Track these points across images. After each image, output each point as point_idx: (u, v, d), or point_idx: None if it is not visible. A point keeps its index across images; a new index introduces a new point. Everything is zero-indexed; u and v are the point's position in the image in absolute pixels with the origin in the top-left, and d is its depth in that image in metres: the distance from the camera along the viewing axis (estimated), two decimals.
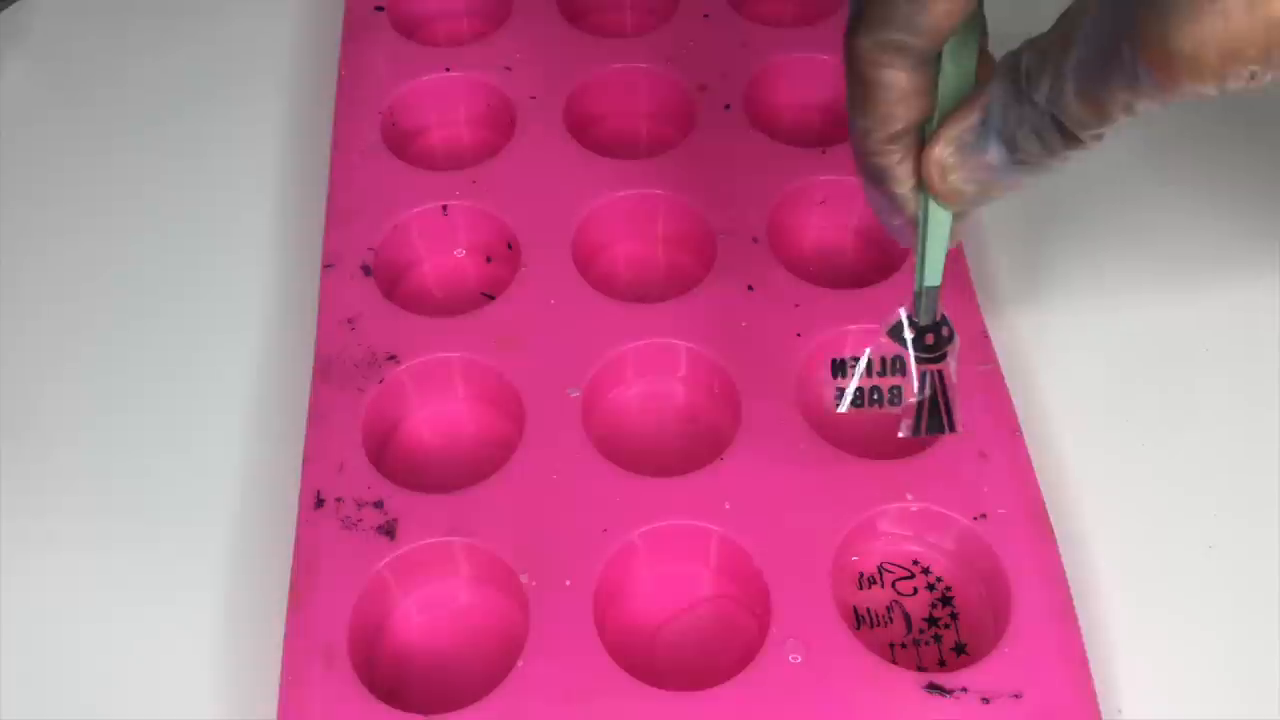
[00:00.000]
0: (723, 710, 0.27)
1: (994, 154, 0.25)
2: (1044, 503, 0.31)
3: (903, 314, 0.28)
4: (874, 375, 0.29)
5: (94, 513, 0.33)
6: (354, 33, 0.42)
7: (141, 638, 0.31)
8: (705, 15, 0.42)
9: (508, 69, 0.41)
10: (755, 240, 0.36)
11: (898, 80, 0.26)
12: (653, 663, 0.30)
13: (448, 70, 0.41)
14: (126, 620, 0.31)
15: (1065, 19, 0.23)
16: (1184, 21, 0.20)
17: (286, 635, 0.28)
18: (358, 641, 0.29)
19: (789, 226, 0.38)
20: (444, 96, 0.41)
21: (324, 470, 0.31)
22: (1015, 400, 0.33)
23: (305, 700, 0.28)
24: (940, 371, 0.29)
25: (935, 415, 0.29)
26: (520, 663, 0.28)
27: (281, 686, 0.28)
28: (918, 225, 0.28)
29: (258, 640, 0.30)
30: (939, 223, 0.27)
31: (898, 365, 0.29)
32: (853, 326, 0.34)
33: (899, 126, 0.27)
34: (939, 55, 0.26)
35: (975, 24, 0.26)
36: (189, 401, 0.36)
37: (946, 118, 0.26)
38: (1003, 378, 0.33)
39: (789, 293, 0.35)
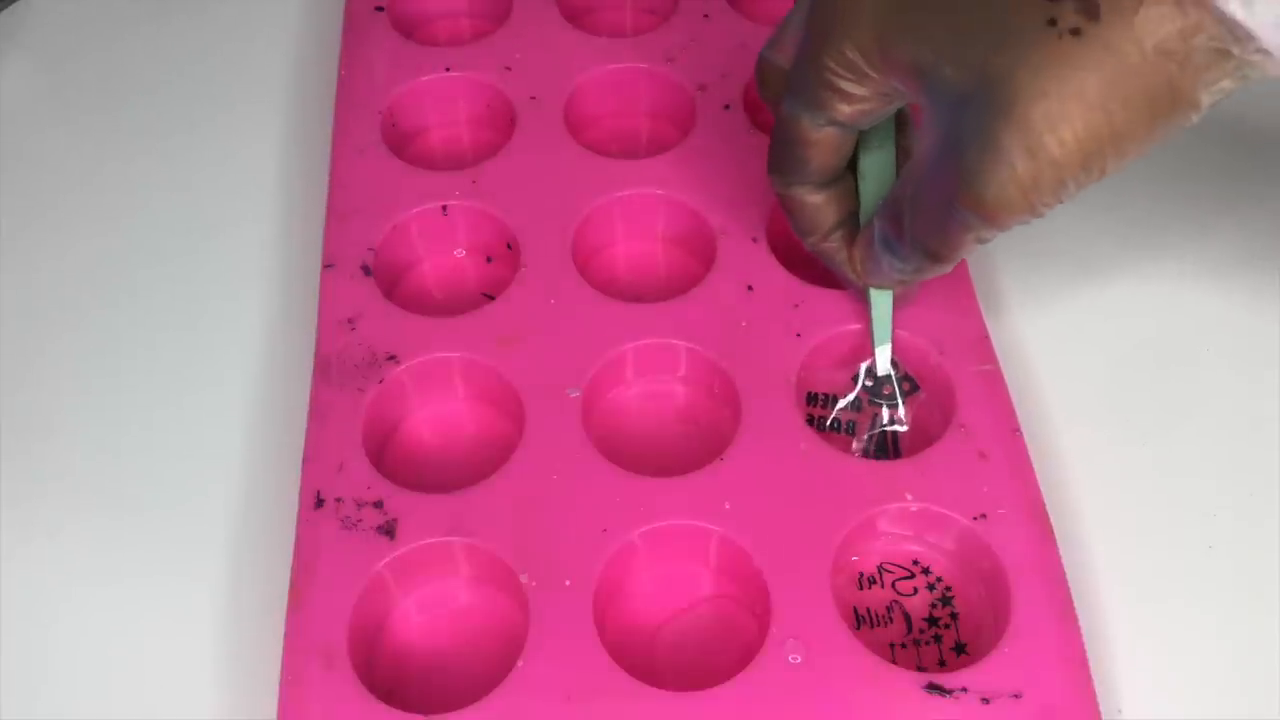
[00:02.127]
0: (723, 710, 0.27)
1: (889, 266, 0.31)
2: (1044, 503, 0.31)
3: (864, 366, 0.34)
4: (843, 410, 0.34)
5: (93, 512, 0.33)
6: (354, 33, 0.42)
7: (141, 637, 0.31)
8: (705, 15, 0.42)
9: (508, 69, 0.41)
10: (755, 240, 0.36)
11: (809, 199, 0.32)
12: (653, 663, 0.30)
13: (448, 70, 0.41)
14: (126, 620, 0.31)
15: (907, 177, 0.28)
16: (986, 174, 0.25)
17: (286, 635, 0.28)
18: (357, 641, 0.29)
19: (789, 226, 0.38)
20: (444, 96, 0.41)
21: (324, 470, 0.31)
22: (1015, 400, 0.33)
23: (305, 700, 0.28)
24: (895, 415, 0.34)
25: (883, 447, 0.33)
26: (520, 663, 0.28)
27: (281, 686, 0.28)
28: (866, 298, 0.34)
29: (258, 640, 0.30)
30: (879, 298, 0.33)
31: (857, 403, 0.34)
32: (853, 326, 0.34)
33: (825, 229, 0.33)
34: (851, 167, 0.32)
35: (885, 138, 0.32)
36: (189, 401, 0.36)
37: (861, 230, 0.32)
38: (1003, 378, 0.33)
39: (789, 293, 0.35)
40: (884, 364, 0.34)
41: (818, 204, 0.32)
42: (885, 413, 0.34)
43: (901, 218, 0.29)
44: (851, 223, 0.33)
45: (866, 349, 0.34)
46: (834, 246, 0.33)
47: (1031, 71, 0.24)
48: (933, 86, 0.26)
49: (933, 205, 0.27)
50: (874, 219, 0.31)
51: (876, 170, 0.32)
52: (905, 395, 0.34)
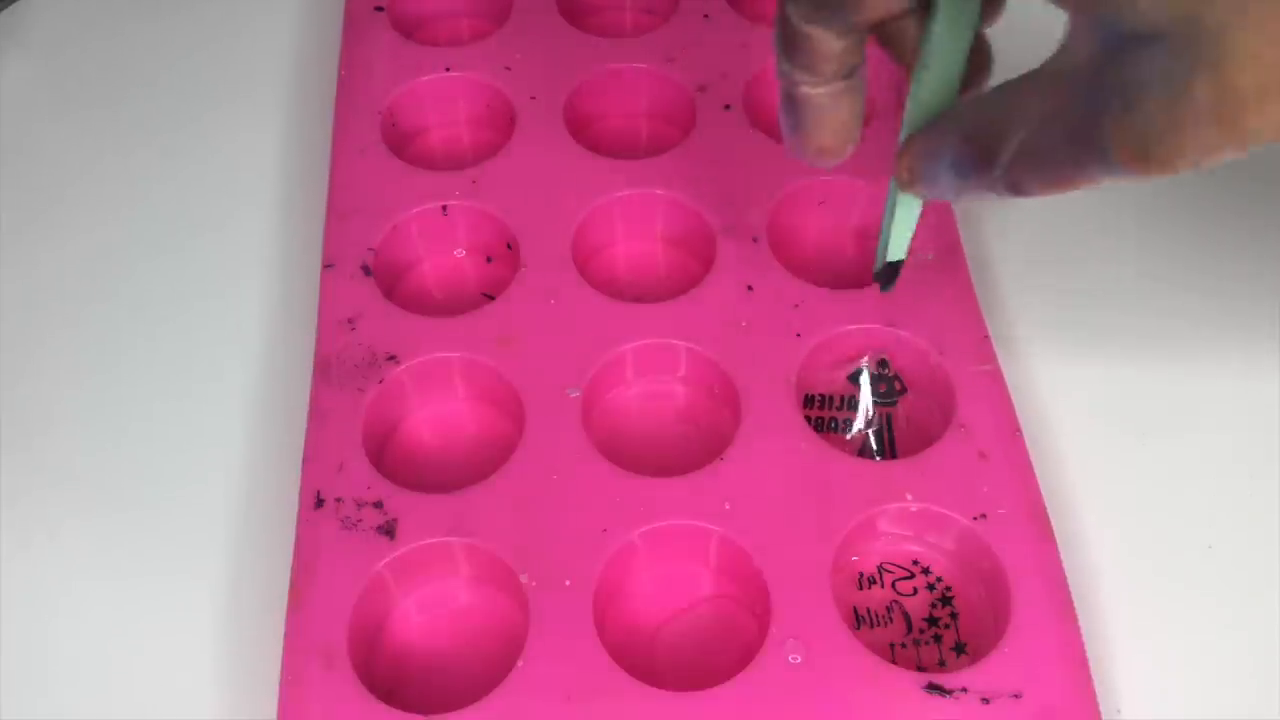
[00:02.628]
0: (722, 710, 0.27)
1: (948, 186, 0.26)
2: (1044, 503, 0.31)
3: (863, 364, 0.34)
4: (835, 409, 0.34)
5: (93, 512, 0.33)
6: (354, 33, 0.42)
7: (141, 637, 0.31)
8: (705, 15, 0.42)
9: (508, 69, 0.41)
10: (755, 240, 0.36)
11: (828, 43, 0.26)
12: (653, 663, 0.30)
13: (448, 70, 0.41)
14: (125, 620, 0.31)
15: (1015, 104, 0.24)
16: (1165, 134, 0.21)
17: (286, 635, 0.28)
18: (357, 641, 0.29)
19: (789, 226, 0.38)
20: (444, 96, 0.41)
21: (324, 470, 0.31)
22: (1015, 400, 0.33)
23: (305, 700, 0.28)
24: (889, 413, 0.34)
25: (880, 445, 0.33)
26: (520, 663, 0.28)
27: (281, 686, 0.28)
28: (886, 201, 0.30)
29: (258, 640, 0.30)
30: (909, 206, 0.29)
31: (853, 402, 0.34)
32: (852, 326, 0.34)
33: (827, 74, 0.27)
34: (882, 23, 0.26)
35: (960, 14, 0.25)
36: (189, 401, 0.36)
37: (916, 133, 0.27)
38: (1003, 378, 0.33)
39: (789, 293, 0.35)
40: (892, 277, 0.32)
41: (834, 51, 0.26)
42: (878, 411, 0.34)
43: (997, 149, 0.24)
44: (853, 77, 0.27)
45: (866, 348, 0.34)
46: (822, 96, 0.27)
47: (1250, 30, 0.20)
48: (1099, 5, 0.21)
49: (1064, 150, 0.23)
50: (940, 132, 0.26)
51: (945, 59, 0.26)
52: (897, 395, 0.34)
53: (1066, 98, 0.22)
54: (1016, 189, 0.24)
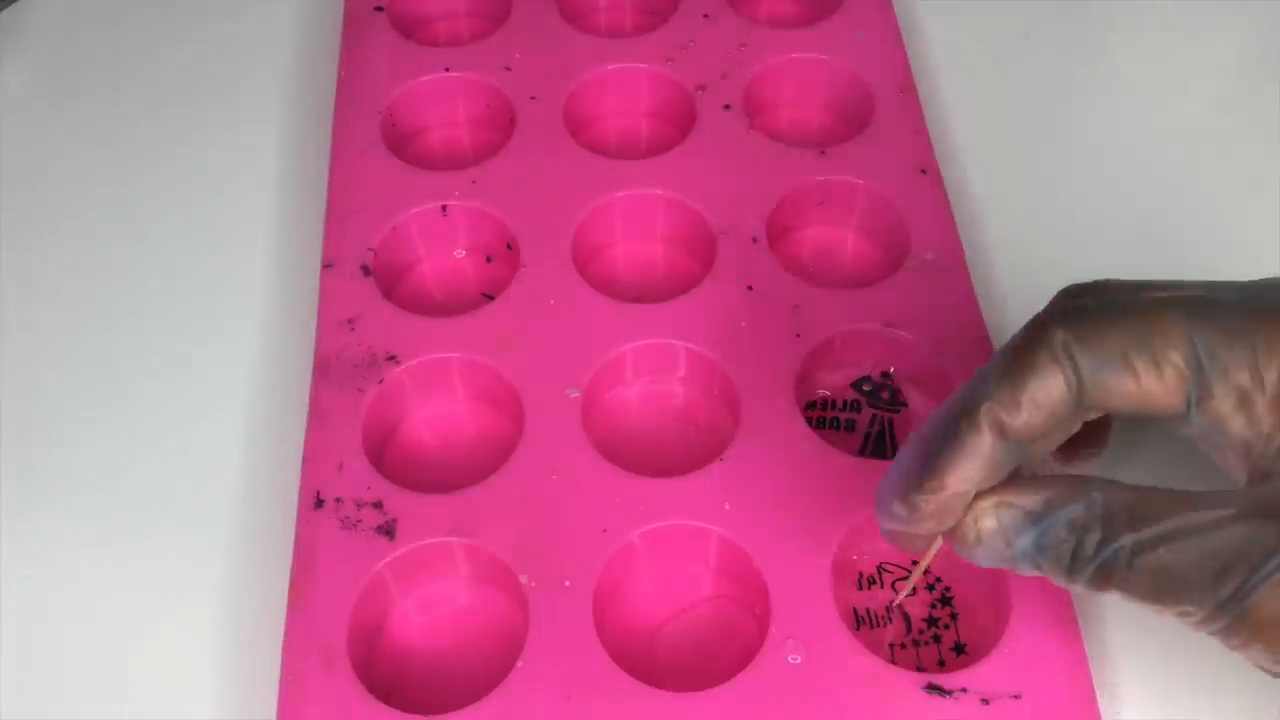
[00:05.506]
0: (722, 710, 0.27)
1: (1014, 567, 0.25)
2: None
3: (870, 376, 0.35)
4: (838, 410, 0.34)
5: (93, 513, 0.33)
6: (354, 33, 0.42)
7: (141, 638, 0.31)
8: (705, 15, 0.42)
9: (508, 69, 0.41)
10: (755, 240, 0.36)
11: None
12: (653, 663, 0.30)
13: (448, 70, 0.41)
14: (125, 620, 0.31)
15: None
16: None
17: (286, 635, 0.28)
18: (357, 641, 0.29)
19: (789, 226, 0.38)
20: (444, 96, 0.41)
21: (324, 470, 0.31)
22: None
23: (304, 700, 0.28)
24: (890, 419, 0.34)
25: (880, 447, 0.34)
26: (520, 663, 0.28)
27: (281, 686, 0.28)
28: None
29: (258, 640, 0.30)
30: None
31: (856, 405, 0.34)
32: (852, 327, 0.34)
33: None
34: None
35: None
36: (189, 401, 0.35)
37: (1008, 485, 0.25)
38: None
39: (789, 293, 0.35)
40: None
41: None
42: (879, 416, 0.34)
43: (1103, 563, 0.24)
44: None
45: (865, 349, 0.34)
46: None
47: None
48: None
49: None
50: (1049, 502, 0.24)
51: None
52: (900, 405, 0.34)
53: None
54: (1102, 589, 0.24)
